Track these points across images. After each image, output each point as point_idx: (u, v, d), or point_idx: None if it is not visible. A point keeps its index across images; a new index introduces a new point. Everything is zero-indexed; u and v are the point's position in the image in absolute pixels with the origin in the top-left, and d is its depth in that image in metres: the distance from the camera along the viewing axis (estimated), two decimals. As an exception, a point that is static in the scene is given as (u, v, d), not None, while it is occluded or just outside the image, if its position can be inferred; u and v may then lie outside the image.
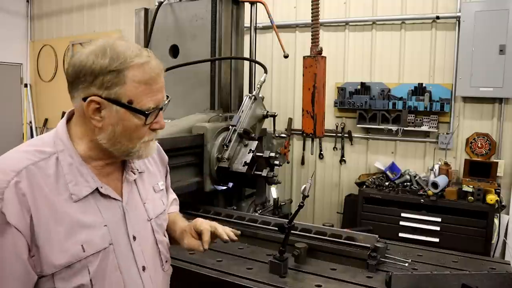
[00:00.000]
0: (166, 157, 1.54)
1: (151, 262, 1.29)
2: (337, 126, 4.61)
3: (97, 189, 1.16)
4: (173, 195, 1.64)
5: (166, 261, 1.38)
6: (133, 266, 1.23)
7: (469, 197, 3.59)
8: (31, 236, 1.04)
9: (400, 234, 3.76)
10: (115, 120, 1.12)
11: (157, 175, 1.43)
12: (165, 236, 1.40)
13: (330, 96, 4.39)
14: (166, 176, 1.53)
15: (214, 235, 1.41)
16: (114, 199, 1.21)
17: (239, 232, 1.48)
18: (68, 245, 1.08)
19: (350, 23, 4.51)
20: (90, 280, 1.11)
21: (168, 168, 1.56)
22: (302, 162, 4.87)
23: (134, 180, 1.30)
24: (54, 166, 1.11)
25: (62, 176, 1.11)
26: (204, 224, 1.42)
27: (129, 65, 1.10)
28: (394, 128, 4.19)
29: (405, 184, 4.02)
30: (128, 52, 1.11)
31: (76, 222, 1.10)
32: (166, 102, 1.22)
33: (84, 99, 1.11)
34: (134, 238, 1.24)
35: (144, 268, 1.25)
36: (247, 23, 3.56)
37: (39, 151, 1.12)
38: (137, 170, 1.31)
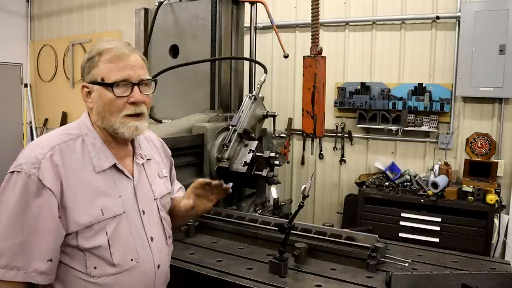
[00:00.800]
0: (169, 151, 1.78)
1: (157, 235, 1.51)
2: (337, 126, 4.62)
3: (115, 165, 1.41)
4: (179, 184, 1.86)
5: (169, 237, 1.60)
6: (143, 235, 1.44)
7: (469, 197, 3.59)
8: (61, 199, 1.28)
9: (400, 234, 3.76)
10: (97, 98, 1.39)
11: (161, 164, 1.66)
12: (167, 215, 1.62)
13: (330, 96, 4.39)
14: (171, 168, 1.77)
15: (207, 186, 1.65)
16: (127, 177, 1.45)
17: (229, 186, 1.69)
18: (90, 208, 1.31)
19: (350, 23, 4.51)
20: (108, 240, 1.33)
21: (173, 160, 1.79)
22: (302, 162, 4.87)
23: (143, 165, 1.53)
24: (81, 145, 1.37)
25: (87, 153, 1.37)
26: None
27: (99, 51, 1.38)
28: (394, 128, 4.19)
29: (405, 184, 4.02)
30: (101, 43, 1.40)
31: (97, 189, 1.35)
32: (146, 79, 1.42)
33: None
34: (144, 212, 1.46)
35: (152, 239, 1.46)
36: (247, 23, 3.56)
37: (68, 133, 1.39)
38: (145, 156, 1.55)
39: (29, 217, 1.24)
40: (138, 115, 1.41)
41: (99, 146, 1.40)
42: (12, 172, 1.28)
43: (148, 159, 1.57)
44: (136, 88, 1.38)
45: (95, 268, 1.32)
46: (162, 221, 1.56)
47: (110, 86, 1.35)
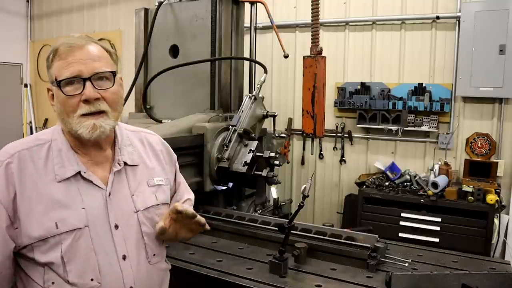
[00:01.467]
0: (175, 156, 1.59)
1: (134, 253, 1.32)
2: (337, 126, 4.61)
3: (80, 173, 1.28)
4: (189, 195, 1.64)
5: (154, 255, 1.38)
6: (112, 253, 1.28)
7: (469, 197, 3.59)
8: (13, 209, 1.20)
9: (400, 234, 3.76)
10: (56, 99, 1.29)
11: (156, 170, 1.46)
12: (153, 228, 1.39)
13: (330, 96, 4.39)
14: (175, 174, 1.59)
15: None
16: (97, 186, 1.30)
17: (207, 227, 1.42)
18: (44, 220, 1.20)
19: (350, 23, 4.51)
20: (62, 257, 1.21)
21: (177, 166, 1.61)
22: (302, 162, 4.87)
23: (125, 172, 1.37)
24: (46, 151, 1.28)
25: (51, 160, 1.27)
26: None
27: (54, 49, 1.28)
28: (394, 128, 4.19)
29: (405, 184, 4.02)
30: (55, 43, 1.30)
31: (54, 200, 1.23)
32: (101, 72, 1.28)
33: None
34: (117, 226, 1.30)
35: (124, 257, 1.29)
36: (247, 23, 3.56)
37: (37, 138, 1.31)
38: (124, 162, 1.38)
39: None
40: (96, 114, 1.26)
41: (65, 152, 1.29)
42: None
43: (132, 165, 1.40)
44: (88, 83, 1.24)
45: (52, 283, 1.21)
46: (144, 237, 1.35)
47: (58, 85, 1.24)
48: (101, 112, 1.27)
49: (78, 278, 1.22)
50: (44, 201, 1.22)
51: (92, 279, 1.24)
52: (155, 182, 1.44)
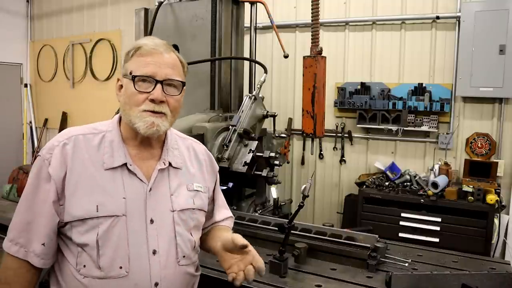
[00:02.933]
0: (217, 167, 1.66)
1: (165, 250, 1.36)
2: (337, 126, 4.61)
3: (126, 165, 1.36)
4: (228, 212, 1.70)
5: (184, 256, 1.40)
6: (144, 245, 1.32)
7: (469, 197, 3.59)
8: (62, 187, 1.30)
9: (400, 234, 3.76)
10: (123, 90, 1.38)
11: (196, 177, 1.52)
12: (191, 234, 1.44)
13: (330, 96, 4.39)
14: (215, 184, 1.63)
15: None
16: (140, 180, 1.37)
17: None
18: (86, 202, 1.29)
19: (350, 23, 4.51)
20: (97, 240, 1.27)
21: (218, 177, 1.65)
22: (302, 162, 4.87)
23: (168, 172, 1.43)
24: (99, 140, 1.37)
25: (102, 149, 1.36)
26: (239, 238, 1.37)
27: (136, 46, 1.37)
28: (394, 128, 4.19)
29: (405, 184, 4.02)
30: (140, 40, 1.42)
31: (98, 186, 1.31)
32: (173, 79, 1.37)
33: None
34: (152, 221, 1.35)
35: (154, 252, 1.33)
36: (247, 23, 3.56)
37: (93, 128, 1.41)
38: (170, 162, 1.44)
39: (36, 199, 1.30)
40: (157, 113, 1.34)
41: (116, 143, 1.38)
42: (38, 155, 1.36)
43: (175, 167, 1.46)
44: (158, 85, 1.33)
45: (84, 266, 1.29)
46: (176, 236, 1.39)
47: (132, 79, 1.33)
48: (161, 113, 1.35)
49: (108, 264, 1.28)
50: (89, 185, 1.31)
51: (120, 267, 1.29)
52: (194, 187, 1.49)
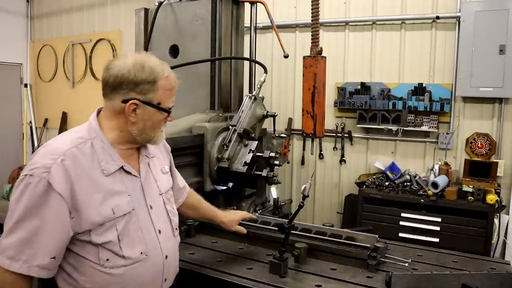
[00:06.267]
0: (169, 146, 1.90)
1: (165, 227, 1.62)
2: (337, 126, 4.61)
3: (122, 167, 1.51)
4: (183, 181, 1.99)
5: (176, 229, 1.72)
6: (152, 229, 1.56)
7: (469, 197, 3.59)
8: (71, 202, 1.37)
9: (400, 234, 3.76)
10: (147, 117, 1.51)
11: (162, 160, 1.78)
12: (173, 208, 1.73)
13: (330, 96, 4.39)
14: (170, 162, 1.88)
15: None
16: (134, 175, 1.56)
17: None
18: (102, 208, 1.42)
19: (350, 23, 4.51)
20: (118, 236, 1.45)
21: (171, 155, 1.91)
22: (302, 162, 4.87)
23: (148, 162, 1.64)
24: (90, 148, 1.46)
25: (96, 156, 1.46)
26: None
27: (160, 77, 1.50)
28: (394, 128, 4.19)
29: (405, 184, 4.02)
30: (158, 68, 1.51)
31: (108, 190, 1.46)
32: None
33: (124, 101, 1.47)
34: (151, 207, 1.58)
35: (160, 231, 1.58)
36: (247, 23, 3.56)
37: (78, 137, 1.48)
38: (150, 154, 1.67)
39: (36, 219, 1.35)
40: None
41: (107, 149, 1.49)
42: (25, 175, 1.37)
43: (152, 157, 1.68)
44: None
45: (107, 260, 1.43)
46: (169, 214, 1.67)
47: (167, 112, 1.55)
48: None
49: (130, 253, 1.47)
50: (99, 192, 1.43)
51: (141, 252, 1.50)
52: (166, 169, 1.76)
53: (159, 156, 1.76)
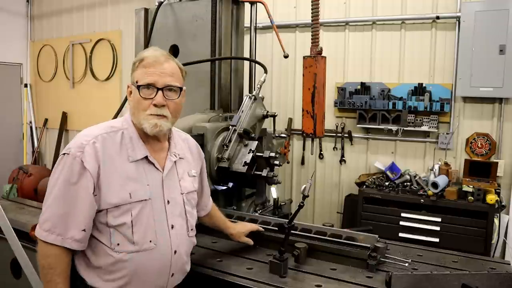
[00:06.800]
0: (203, 154, 2.01)
1: (179, 224, 1.70)
2: (337, 126, 4.61)
3: (146, 157, 1.63)
4: (209, 190, 2.12)
5: (191, 229, 1.79)
6: (164, 222, 1.65)
7: (469, 197, 3.59)
8: (97, 180, 1.52)
9: (400, 234, 3.76)
10: (132, 97, 1.64)
11: (192, 164, 1.87)
12: (192, 210, 1.81)
13: (330, 96, 4.39)
14: (202, 168, 1.98)
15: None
16: (157, 169, 1.66)
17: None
18: (121, 191, 1.55)
19: (350, 23, 4.51)
20: (132, 221, 1.55)
21: (204, 162, 2.01)
22: (302, 162, 4.87)
23: (175, 161, 1.74)
24: (120, 137, 1.62)
25: (125, 144, 1.61)
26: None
27: (140, 58, 1.62)
28: (394, 128, 4.19)
29: (405, 184, 4.02)
30: (143, 52, 1.66)
31: (128, 176, 1.58)
32: (171, 85, 1.62)
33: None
34: (168, 202, 1.67)
35: (172, 227, 1.67)
36: (247, 23, 3.56)
37: (111, 126, 1.64)
38: (178, 154, 1.76)
39: (71, 193, 1.50)
40: (160, 116, 1.60)
41: (135, 139, 1.63)
42: (64, 153, 1.54)
43: (180, 158, 1.77)
44: (160, 92, 1.59)
45: (118, 244, 1.54)
46: (186, 213, 1.75)
47: (137, 88, 1.59)
48: (163, 116, 1.61)
49: (141, 239, 1.57)
50: (120, 176, 1.56)
51: (150, 241, 1.59)
52: (193, 173, 1.85)
53: (189, 159, 1.85)
